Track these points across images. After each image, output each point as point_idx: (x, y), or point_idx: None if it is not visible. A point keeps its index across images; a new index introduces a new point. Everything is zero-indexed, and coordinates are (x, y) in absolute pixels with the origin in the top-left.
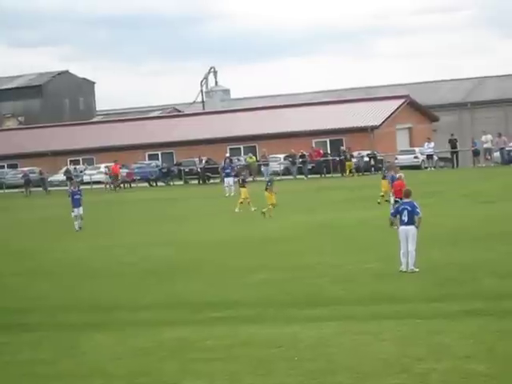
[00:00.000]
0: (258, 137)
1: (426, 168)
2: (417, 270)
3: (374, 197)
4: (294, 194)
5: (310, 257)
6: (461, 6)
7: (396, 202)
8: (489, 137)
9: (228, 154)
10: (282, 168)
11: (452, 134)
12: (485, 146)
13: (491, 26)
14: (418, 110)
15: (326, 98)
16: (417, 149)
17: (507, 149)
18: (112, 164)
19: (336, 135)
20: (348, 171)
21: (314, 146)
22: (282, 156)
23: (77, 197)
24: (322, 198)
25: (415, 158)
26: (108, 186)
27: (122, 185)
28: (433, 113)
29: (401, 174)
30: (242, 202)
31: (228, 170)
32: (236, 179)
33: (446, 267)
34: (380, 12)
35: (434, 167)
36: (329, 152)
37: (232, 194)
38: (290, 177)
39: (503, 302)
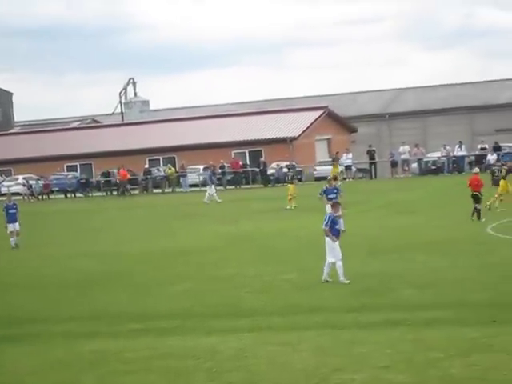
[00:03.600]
0: (177, 148)
1: (345, 179)
2: (347, 281)
3: (293, 208)
4: (213, 205)
5: (230, 268)
6: (380, 18)
7: (474, 196)
8: (406, 148)
9: (147, 166)
10: (201, 179)
11: (370, 145)
12: (402, 157)
13: (410, 38)
14: (337, 121)
15: (245, 109)
16: None
17: (424, 160)
18: (117, 169)
19: (255, 146)
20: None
21: (233, 156)
22: (201, 167)
23: (12, 211)
24: (242, 208)
25: None
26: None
27: (39, 196)
28: (351, 124)
29: (477, 169)
30: (290, 199)
31: (213, 178)
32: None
33: (364, 277)
34: (300, 23)
35: (353, 178)
36: (248, 163)
37: (219, 200)
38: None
39: (421, 312)
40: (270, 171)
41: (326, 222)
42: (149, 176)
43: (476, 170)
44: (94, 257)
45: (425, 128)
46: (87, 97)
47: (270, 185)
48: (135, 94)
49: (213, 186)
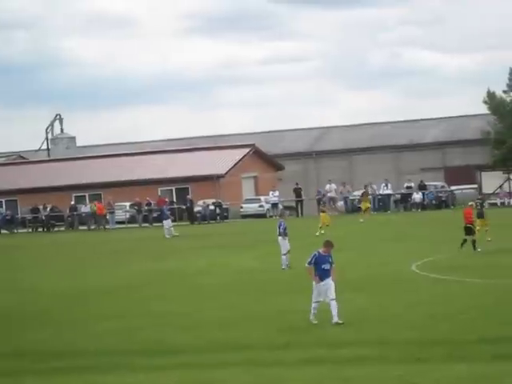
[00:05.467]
0: (104, 185)
1: (271, 217)
2: (340, 321)
3: (220, 245)
4: (140, 242)
5: (157, 305)
6: (306, 56)
7: (466, 228)
8: (333, 186)
9: (73, 202)
10: (127, 216)
11: (297, 183)
12: (329, 194)
13: (336, 77)
14: (264, 158)
15: (172, 146)
16: (262, 197)
17: (351, 198)
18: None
19: (182, 183)
20: (364, 211)
21: (159, 194)
22: (127, 204)
23: None
24: (168, 246)
25: (260, 206)
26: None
27: None
28: (278, 162)
29: (472, 202)
30: (321, 227)
31: (168, 212)
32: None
33: (289, 315)
34: (226, 61)
35: (279, 216)
36: (174, 200)
37: (175, 234)
38: (136, 225)
39: (346, 350)
40: (196, 208)
41: (309, 260)
42: (75, 212)
43: (471, 202)
44: (18, 293)
45: (351, 166)
46: (13, 133)
47: (196, 222)
48: (62, 130)
49: (169, 220)
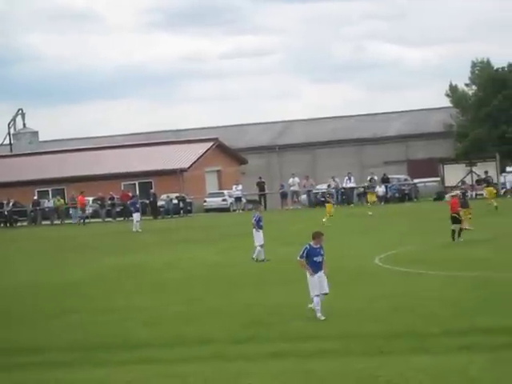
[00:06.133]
0: (67, 179)
1: (235, 210)
2: (323, 318)
3: (184, 239)
4: (103, 237)
5: (118, 300)
6: (269, 50)
7: (453, 217)
8: (296, 180)
9: (36, 197)
10: (90, 211)
11: (260, 177)
12: (292, 188)
13: (299, 71)
14: (227, 152)
15: (135, 140)
16: (225, 191)
17: (314, 191)
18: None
19: (145, 178)
20: (371, 201)
21: (122, 188)
22: (90, 199)
23: None
24: (131, 240)
25: (224, 200)
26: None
27: None
28: (241, 156)
29: (457, 191)
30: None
31: (137, 206)
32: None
33: (253, 309)
34: (189, 56)
35: (243, 209)
36: (138, 194)
37: (139, 230)
38: (99, 219)
39: (309, 344)
40: (160, 203)
41: (300, 254)
42: (38, 207)
43: (456, 192)
44: None
45: (314, 160)
46: None
47: (159, 216)
48: (24, 125)
49: (138, 214)
